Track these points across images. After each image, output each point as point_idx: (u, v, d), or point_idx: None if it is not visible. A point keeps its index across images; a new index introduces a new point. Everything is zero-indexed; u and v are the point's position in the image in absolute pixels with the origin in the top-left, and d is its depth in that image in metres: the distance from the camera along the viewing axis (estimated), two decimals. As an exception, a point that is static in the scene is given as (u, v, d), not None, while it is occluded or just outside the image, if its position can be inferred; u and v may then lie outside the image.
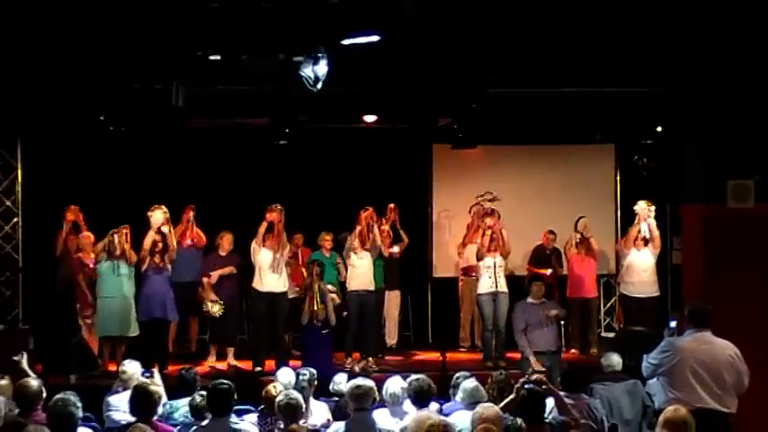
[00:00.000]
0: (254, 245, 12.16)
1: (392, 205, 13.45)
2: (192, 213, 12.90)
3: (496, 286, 12.40)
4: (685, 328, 8.09)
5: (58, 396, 6.83)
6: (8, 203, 13.77)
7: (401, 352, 13.59)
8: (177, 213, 12.84)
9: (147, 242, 11.74)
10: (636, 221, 12.76)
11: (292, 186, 14.26)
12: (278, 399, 7.33)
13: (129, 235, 11.89)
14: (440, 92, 11.68)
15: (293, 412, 7.15)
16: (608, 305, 14.79)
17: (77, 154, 13.61)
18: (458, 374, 8.40)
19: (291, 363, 11.22)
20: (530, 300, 11.43)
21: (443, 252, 14.78)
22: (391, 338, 13.63)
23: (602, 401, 8.44)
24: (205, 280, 12.44)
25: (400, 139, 14.22)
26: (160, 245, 11.76)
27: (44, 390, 7.13)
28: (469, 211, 13.68)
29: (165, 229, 11.80)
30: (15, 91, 11.22)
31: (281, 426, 7.57)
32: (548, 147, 14.66)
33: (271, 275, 12.16)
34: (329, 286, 12.43)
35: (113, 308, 11.84)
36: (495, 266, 12.40)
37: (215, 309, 12.16)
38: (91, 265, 12.11)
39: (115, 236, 11.81)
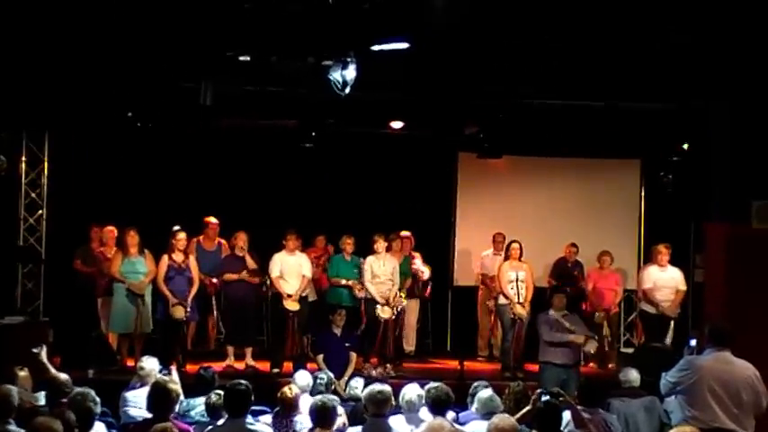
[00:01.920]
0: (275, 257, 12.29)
1: (407, 234, 13.45)
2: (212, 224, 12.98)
3: (518, 298, 12.40)
4: (705, 346, 8.04)
5: (77, 390, 6.89)
6: (33, 195, 13.85)
7: (419, 359, 13.58)
8: (198, 214, 12.95)
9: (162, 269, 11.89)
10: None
11: (317, 189, 14.33)
12: (313, 400, 7.31)
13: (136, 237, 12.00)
14: (467, 100, 11.68)
15: (325, 416, 7.12)
16: (628, 320, 14.72)
17: (104, 149, 13.68)
18: (476, 384, 8.37)
19: (309, 365, 11.25)
20: (551, 312, 11.35)
21: (465, 260, 14.75)
22: (409, 345, 13.61)
23: (618, 417, 8.41)
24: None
25: (426, 145, 14.22)
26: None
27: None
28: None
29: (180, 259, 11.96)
30: (44, 85, 11.27)
31: (297, 427, 7.59)
32: (573, 159, 14.61)
33: (291, 279, 12.19)
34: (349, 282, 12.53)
35: (131, 305, 11.90)
36: (517, 280, 12.41)
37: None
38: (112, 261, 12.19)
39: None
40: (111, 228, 12.67)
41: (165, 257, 11.85)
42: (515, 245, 12.68)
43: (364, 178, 14.63)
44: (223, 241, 12.86)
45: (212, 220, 12.92)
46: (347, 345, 11.71)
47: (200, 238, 12.84)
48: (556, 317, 11.12)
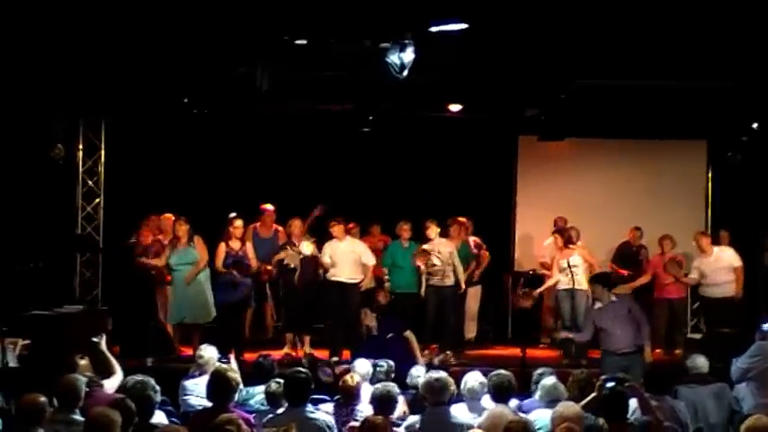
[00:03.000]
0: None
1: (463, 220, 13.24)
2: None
3: (573, 284, 12.22)
4: (778, 332, 7.83)
5: (137, 378, 6.85)
6: (91, 184, 13.93)
7: (480, 346, 13.47)
8: (254, 200, 12.91)
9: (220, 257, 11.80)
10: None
11: (374, 174, 14.22)
12: (374, 388, 7.26)
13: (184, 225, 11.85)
14: (528, 82, 11.48)
15: (386, 404, 7.08)
16: (695, 306, 14.42)
17: (160, 135, 13.67)
18: (540, 371, 8.22)
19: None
20: (597, 305, 10.94)
21: (526, 246, 14.57)
22: (469, 332, 13.50)
23: (686, 404, 8.19)
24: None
25: (485, 129, 14.05)
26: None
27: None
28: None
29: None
30: (100, 73, 11.27)
31: (358, 416, 7.49)
32: (637, 141, 14.37)
33: (342, 266, 12.12)
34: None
35: (187, 295, 11.83)
36: (569, 266, 12.21)
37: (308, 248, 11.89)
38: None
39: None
40: (168, 215, 12.59)
41: (223, 245, 11.78)
42: (558, 234, 12.57)
43: (422, 163, 14.52)
44: (279, 228, 12.76)
45: (268, 206, 12.82)
46: (390, 336, 11.41)
47: (257, 225, 12.75)
48: (599, 307, 10.79)
